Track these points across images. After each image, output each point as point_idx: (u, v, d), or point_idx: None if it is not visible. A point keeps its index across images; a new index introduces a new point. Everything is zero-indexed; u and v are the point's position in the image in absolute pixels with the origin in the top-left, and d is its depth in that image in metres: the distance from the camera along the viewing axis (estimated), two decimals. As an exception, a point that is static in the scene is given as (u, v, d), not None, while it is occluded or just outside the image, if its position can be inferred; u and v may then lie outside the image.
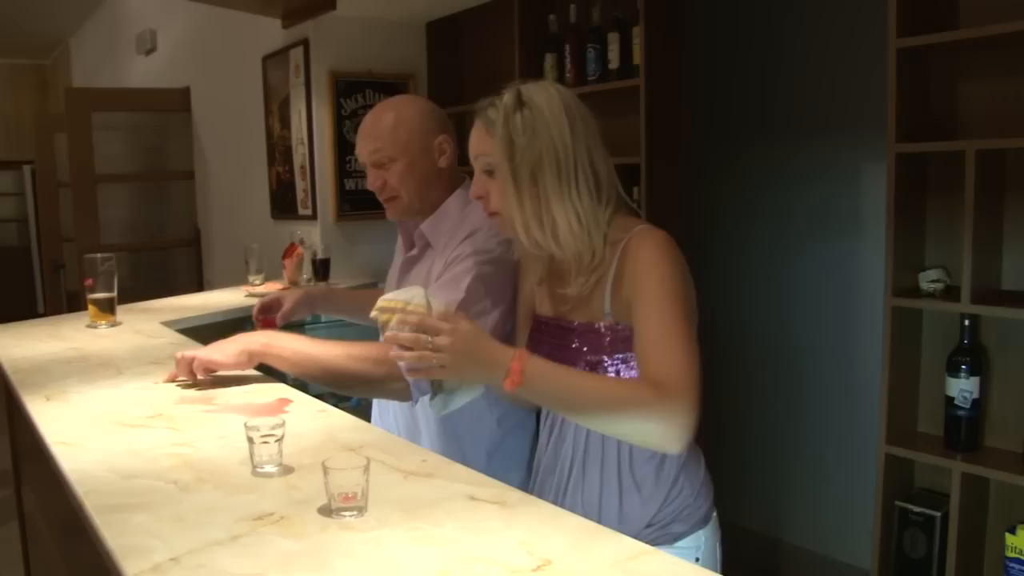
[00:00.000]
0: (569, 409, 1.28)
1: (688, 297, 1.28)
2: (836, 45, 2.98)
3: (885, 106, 2.13)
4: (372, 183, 1.69)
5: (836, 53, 2.98)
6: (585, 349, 1.36)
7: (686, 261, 1.32)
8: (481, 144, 1.38)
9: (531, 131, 1.29)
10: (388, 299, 1.35)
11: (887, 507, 2.22)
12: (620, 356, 1.33)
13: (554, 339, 1.41)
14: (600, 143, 1.35)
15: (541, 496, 1.48)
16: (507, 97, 1.34)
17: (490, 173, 1.37)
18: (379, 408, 1.86)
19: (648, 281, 1.27)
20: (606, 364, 1.34)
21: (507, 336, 1.53)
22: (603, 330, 1.34)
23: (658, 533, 1.37)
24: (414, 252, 1.74)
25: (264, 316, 1.89)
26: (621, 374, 1.33)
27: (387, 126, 1.66)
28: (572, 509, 1.39)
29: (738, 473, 3.33)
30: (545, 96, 1.32)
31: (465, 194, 1.69)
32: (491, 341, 1.23)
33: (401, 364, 1.26)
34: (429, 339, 1.20)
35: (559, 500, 1.43)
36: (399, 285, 1.77)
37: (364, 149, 1.68)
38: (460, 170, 1.73)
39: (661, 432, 1.19)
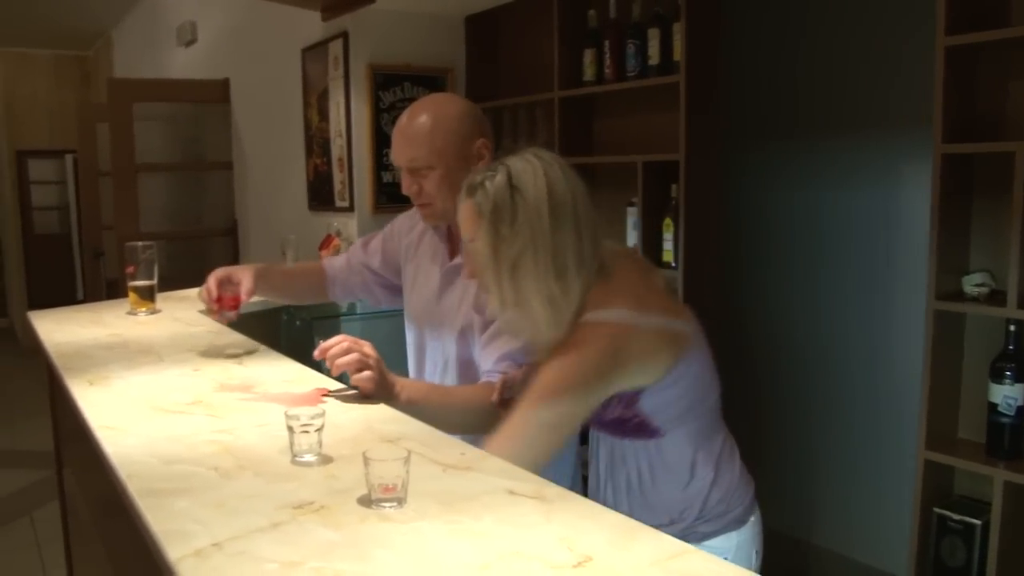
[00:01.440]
0: None
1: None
2: (881, 42, 2.93)
3: (931, 105, 2.09)
4: (407, 188, 1.66)
5: (881, 51, 2.92)
6: None
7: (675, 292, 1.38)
8: (473, 227, 1.37)
9: (515, 222, 1.32)
10: None
11: (925, 514, 2.18)
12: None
13: None
14: (586, 206, 1.36)
15: None
16: (499, 179, 1.34)
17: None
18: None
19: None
20: None
21: None
22: None
23: (684, 531, 1.38)
24: (459, 261, 1.68)
25: (224, 292, 1.79)
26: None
27: (424, 131, 1.61)
28: None
29: (772, 475, 3.29)
30: (532, 180, 1.33)
31: None
32: None
33: None
34: None
35: None
36: (441, 295, 1.73)
37: (401, 155, 1.65)
38: None
39: None
